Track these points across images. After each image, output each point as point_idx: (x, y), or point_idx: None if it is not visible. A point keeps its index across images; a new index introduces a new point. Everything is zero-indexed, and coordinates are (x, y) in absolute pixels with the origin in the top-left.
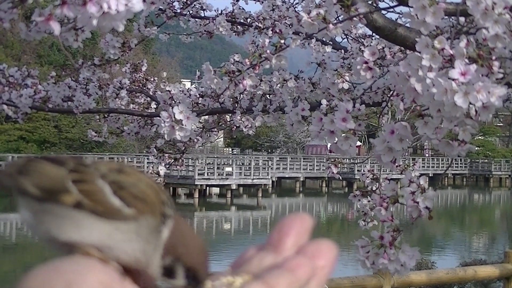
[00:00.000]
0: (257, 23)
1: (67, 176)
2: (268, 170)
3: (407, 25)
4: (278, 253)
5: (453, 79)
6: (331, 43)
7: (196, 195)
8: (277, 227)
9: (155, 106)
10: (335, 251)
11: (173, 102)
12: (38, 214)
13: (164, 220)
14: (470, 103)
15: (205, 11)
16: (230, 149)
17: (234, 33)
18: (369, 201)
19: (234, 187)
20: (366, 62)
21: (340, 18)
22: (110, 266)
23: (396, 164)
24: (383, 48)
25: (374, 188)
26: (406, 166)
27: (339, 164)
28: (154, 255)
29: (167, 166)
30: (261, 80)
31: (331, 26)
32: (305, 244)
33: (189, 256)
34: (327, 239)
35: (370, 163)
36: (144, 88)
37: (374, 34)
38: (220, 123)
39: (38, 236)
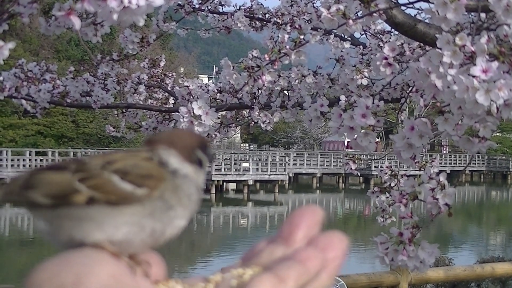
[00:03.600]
0: (275, 19)
1: (73, 177)
2: (285, 166)
3: (427, 21)
4: (288, 245)
5: (475, 76)
6: (350, 39)
7: (213, 190)
8: (287, 219)
9: (173, 101)
10: (346, 243)
11: (191, 97)
12: (54, 222)
13: (163, 163)
14: (492, 100)
15: (223, 7)
16: (247, 145)
17: (253, 29)
18: (387, 197)
19: (251, 182)
20: (386, 58)
21: (359, 14)
22: (121, 258)
23: (415, 161)
24: (402, 44)
25: (392, 185)
26: (425, 162)
27: (357, 160)
28: (196, 191)
29: None
30: (280, 76)
31: (351, 21)
32: (315, 236)
33: (187, 141)
34: (338, 231)
35: (388, 159)
36: (162, 83)
37: (392, 30)
38: (238, 119)
39: (58, 242)
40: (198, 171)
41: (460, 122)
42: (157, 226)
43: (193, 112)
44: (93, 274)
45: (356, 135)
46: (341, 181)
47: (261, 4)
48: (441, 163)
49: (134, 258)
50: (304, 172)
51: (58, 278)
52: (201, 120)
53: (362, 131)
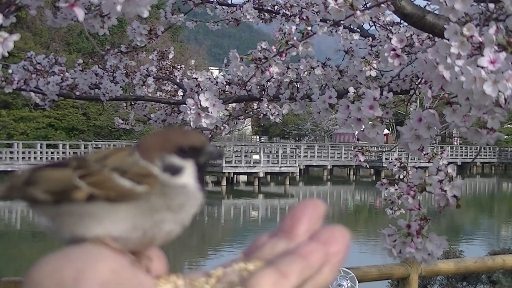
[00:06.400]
0: (284, 11)
1: (73, 174)
2: (295, 158)
3: (436, 12)
4: (290, 239)
5: (482, 67)
6: (359, 30)
7: (224, 182)
8: (289, 213)
9: (182, 94)
10: (348, 237)
11: (200, 89)
12: (56, 218)
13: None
14: (499, 91)
15: None
16: (258, 137)
17: (261, 21)
18: (396, 189)
19: (261, 175)
20: (393, 49)
21: (367, 5)
22: (123, 254)
23: (424, 152)
24: (411, 35)
25: (401, 177)
26: (434, 154)
27: (367, 152)
28: (191, 194)
29: None
30: (288, 68)
31: (358, 12)
32: (318, 230)
33: (171, 140)
34: (341, 225)
35: (398, 151)
36: (171, 75)
37: (402, 21)
38: (247, 111)
39: (61, 239)
40: (170, 178)
41: (468, 114)
42: (151, 225)
43: (200, 104)
44: (93, 269)
45: (363, 127)
46: (352, 173)
47: None
48: (452, 155)
49: (135, 253)
50: (314, 164)
51: (59, 273)
52: (208, 112)
53: (370, 122)
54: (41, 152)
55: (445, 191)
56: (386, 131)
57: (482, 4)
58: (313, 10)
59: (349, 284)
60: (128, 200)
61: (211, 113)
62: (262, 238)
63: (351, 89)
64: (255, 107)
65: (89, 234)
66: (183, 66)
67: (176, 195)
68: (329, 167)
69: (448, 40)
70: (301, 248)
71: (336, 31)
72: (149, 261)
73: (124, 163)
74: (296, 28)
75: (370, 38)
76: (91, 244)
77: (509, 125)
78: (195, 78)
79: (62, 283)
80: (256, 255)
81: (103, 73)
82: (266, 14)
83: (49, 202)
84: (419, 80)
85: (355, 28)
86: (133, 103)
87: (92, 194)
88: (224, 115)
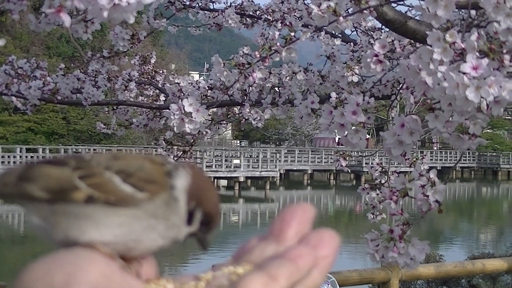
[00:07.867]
0: (266, 16)
1: (73, 173)
2: (276, 162)
3: (417, 18)
4: (280, 243)
5: (465, 73)
6: (341, 36)
7: None
8: (278, 217)
9: (164, 99)
10: (338, 241)
11: (182, 94)
12: (50, 218)
13: (171, 176)
14: (482, 97)
15: (214, 4)
16: (238, 142)
17: (243, 26)
18: (377, 194)
19: (242, 179)
20: (376, 55)
21: (350, 10)
22: (112, 258)
23: (406, 158)
24: (393, 41)
25: (382, 181)
26: (415, 159)
27: (348, 157)
28: (181, 221)
29: (176, 158)
30: (270, 73)
31: (341, 18)
32: (307, 234)
33: (208, 201)
34: (329, 229)
35: (378, 156)
36: (153, 80)
37: (383, 27)
38: (229, 116)
39: (53, 239)
40: (180, 217)
41: (450, 119)
42: (148, 231)
43: (183, 109)
44: (84, 273)
45: (346, 132)
46: (332, 177)
47: (252, 1)
48: (432, 159)
49: (125, 258)
50: (295, 168)
51: (49, 277)
52: (191, 117)
53: (353, 128)
54: (20, 156)
55: (427, 196)
56: (366, 136)
57: (463, 10)
58: (295, 15)
59: None
60: (127, 205)
61: (195, 118)
62: (251, 241)
63: (333, 94)
64: (237, 112)
65: (83, 237)
66: (164, 71)
67: (177, 211)
68: (309, 172)
69: (430, 46)
70: (290, 252)
71: (317, 36)
72: (139, 266)
73: (130, 167)
74: (279, 34)
75: (352, 44)
76: (81, 248)
77: (488, 130)
78: (177, 83)
79: (53, 287)
80: (245, 258)
81: (85, 78)
82: (248, 19)
83: (45, 200)
84: (400, 86)
85: (337, 34)
86: (115, 108)
87: (91, 196)
88: (206, 120)
